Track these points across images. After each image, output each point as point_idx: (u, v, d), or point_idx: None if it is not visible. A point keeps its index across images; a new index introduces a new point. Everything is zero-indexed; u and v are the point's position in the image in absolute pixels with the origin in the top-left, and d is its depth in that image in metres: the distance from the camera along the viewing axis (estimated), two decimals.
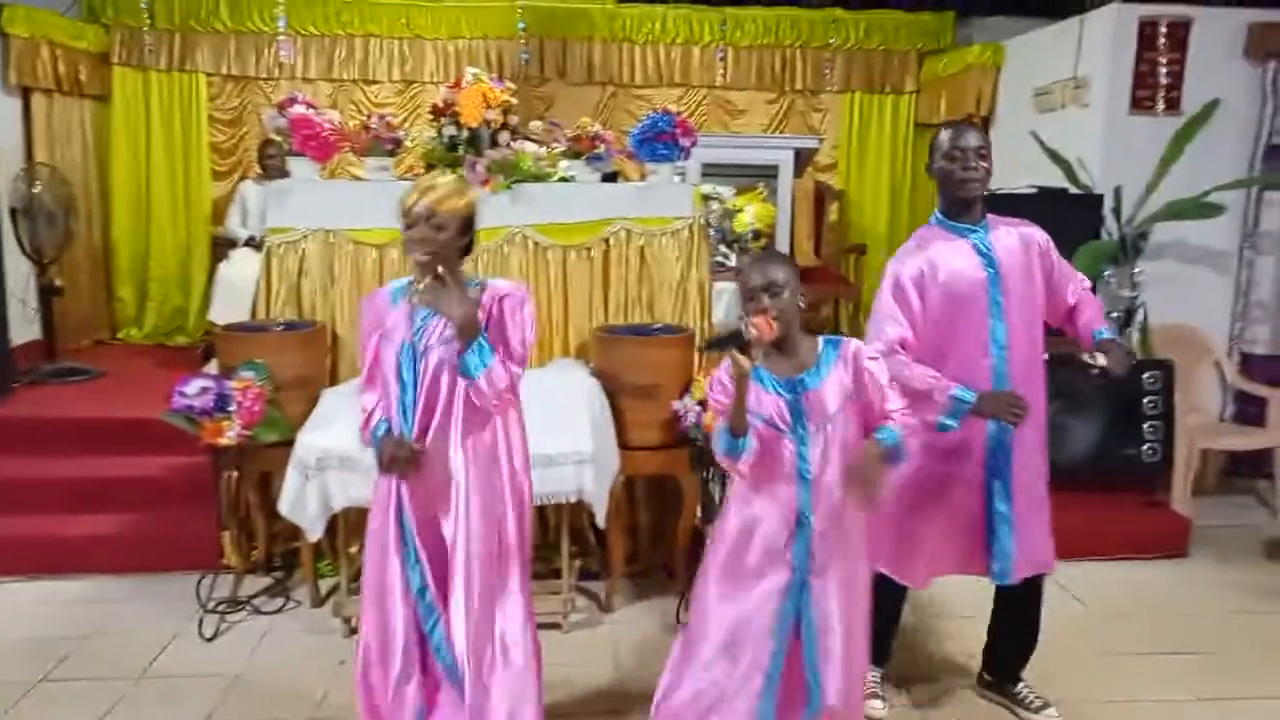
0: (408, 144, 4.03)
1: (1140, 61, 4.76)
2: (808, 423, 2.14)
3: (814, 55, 6.69)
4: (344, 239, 3.81)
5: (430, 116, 3.96)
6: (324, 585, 3.57)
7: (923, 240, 2.60)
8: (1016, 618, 2.82)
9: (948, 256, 2.53)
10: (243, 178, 6.20)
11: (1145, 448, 4.21)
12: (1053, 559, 2.72)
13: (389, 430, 2.27)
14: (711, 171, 5.07)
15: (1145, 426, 4.20)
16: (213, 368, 3.72)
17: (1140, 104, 4.79)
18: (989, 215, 2.60)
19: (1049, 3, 5.71)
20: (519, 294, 2.29)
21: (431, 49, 6.39)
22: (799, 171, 5.51)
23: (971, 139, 2.51)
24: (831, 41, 6.65)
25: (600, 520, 3.32)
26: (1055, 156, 4.82)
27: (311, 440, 3.14)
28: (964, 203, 2.55)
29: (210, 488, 3.46)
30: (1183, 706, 2.97)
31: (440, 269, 2.15)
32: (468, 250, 2.29)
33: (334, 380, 3.71)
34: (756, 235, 4.91)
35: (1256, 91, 4.79)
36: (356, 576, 3.47)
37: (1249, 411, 4.83)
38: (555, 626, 3.34)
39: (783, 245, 5.17)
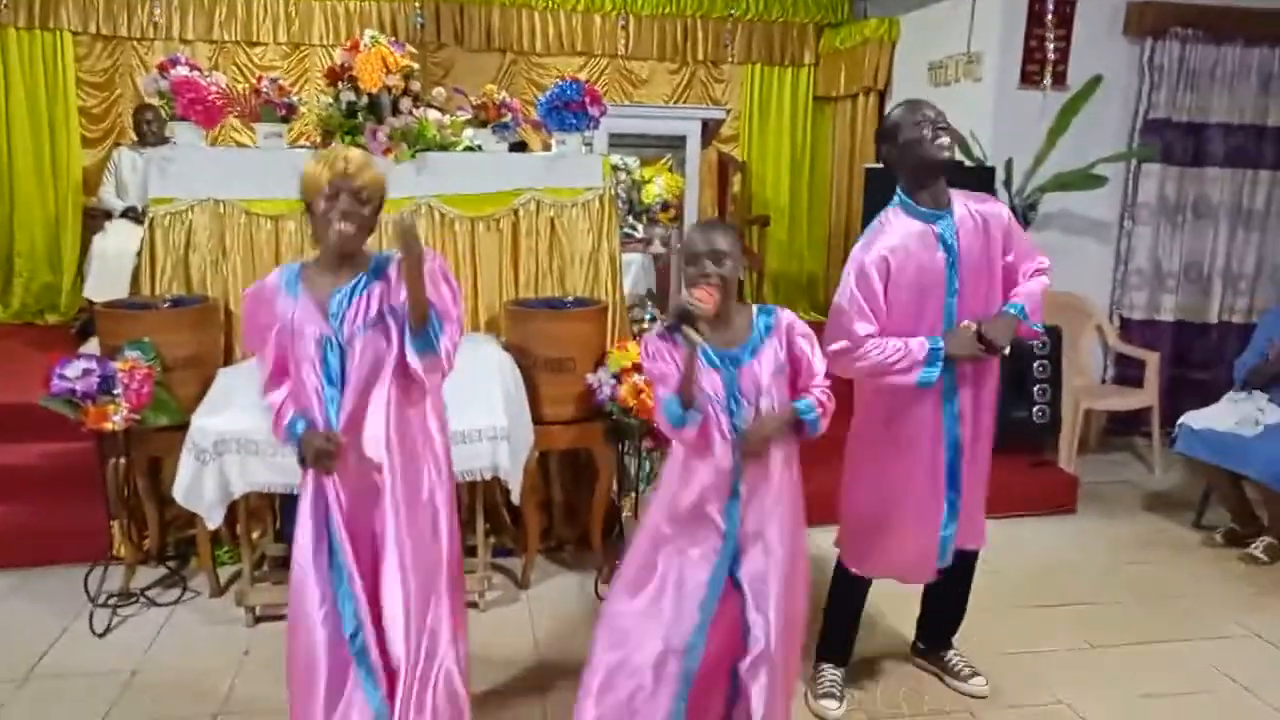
0: (302, 109, 3.83)
1: (1029, 37, 4.92)
2: (741, 395, 2.15)
3: (715, 26, 6.69)
4: (236, 209, 3.61)
5: (325, 81, 3.77)
6: (224, 573, 3.42)
7: (887, 226, 2.56)
8: (949, 591, 2.88)
9: (912, 245, 2.50)
10: (116, 145, 5.81)
11: (1035, 410, 4.42)
12: (984, 535, 2.79)
13: (309, 424, 2.13)
14: (617, 142, 5.02)
15: (1034, 390, 4.40)
16: (92, 347, 3.48)
17: (1029, 78, 4.96)
18: (952, 191, 2.58)
19: None
20: (437, 259, 2.19)
21: (320, 10, 6.10)
22: (706, 142, 5.51)
23: (931, 109, 2.49)
24: (732, 13, 6.65)
25: (515, 496, 3.26)
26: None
27: (207, 423, 2.97)
28: (934, 172, 2.50)
29: (96, 475, 3.26)
30: (1076, 654, 3.13)
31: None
32: (374, 227, 2.19)
33: (229, 359, 3.52)
34: (665, 206, 4.90)
35: (1136, 68, 5.02)
36: (259, 563, 3.34)
37: (1129, 373, 5.12)
38: (472, 605, 3.28)
39: (691, 217, 5.17)
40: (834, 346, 2.50)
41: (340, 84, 3.65)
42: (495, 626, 3.21)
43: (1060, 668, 3.04)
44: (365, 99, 3.65)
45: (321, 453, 2.10)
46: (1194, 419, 3.98)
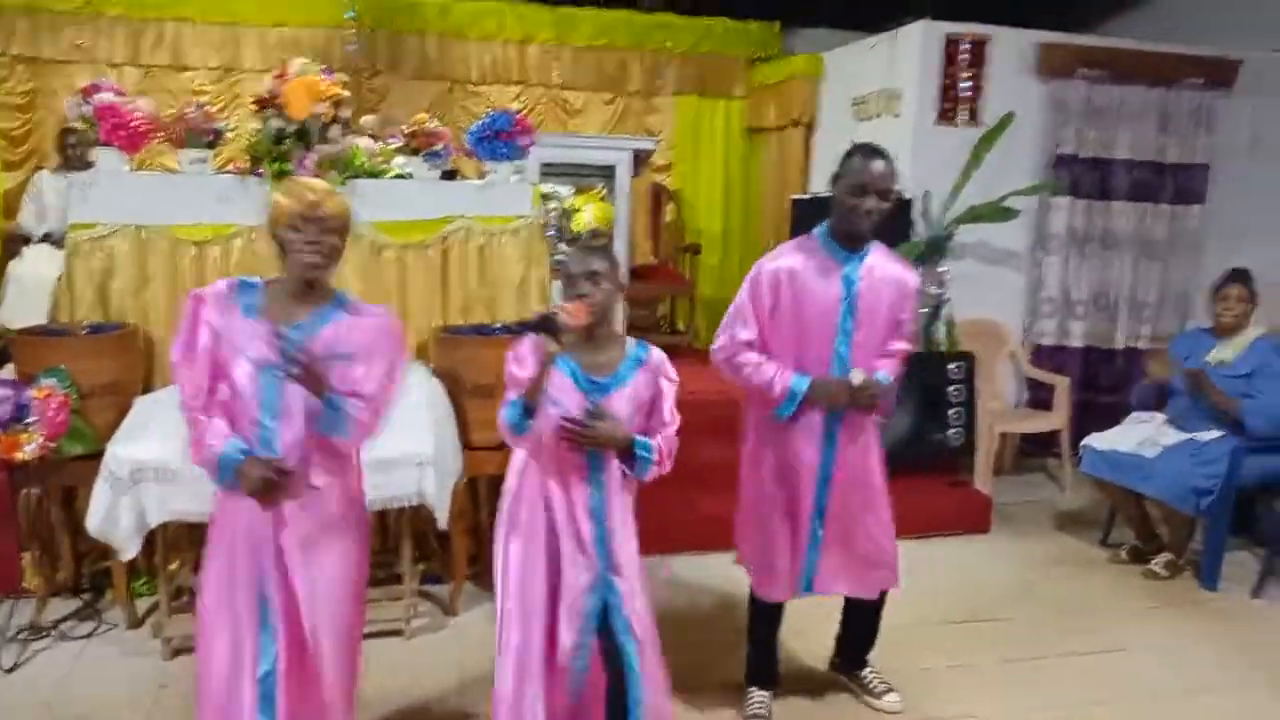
0: (228, 135, 3.83)
1: (945, 76, 5.14)
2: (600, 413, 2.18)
3: (648, 58, 6.81)
4: (158, 235, 3.58)
5: (254, 108, 3.78)
6: (142, 605, 3.35)
7: (797, 249, 2.66)
8: (864, 616, 2.98)
9: (811, 275, 2.60)
10: (38, 168, 5.69)
11: (951, 432, 4.58)
12: (894, 579, 2.85)
13: (247, 451, 2.04)
14: (550, 171, 5.09)
15: (950, 413, 4.56)
16: (8, 374, 3.41)
17: (946, 115, 5.17)
18: (876, 244, 2.66)
19: (866, 17, 6.07)
20: (391, 321, 2.21)
21: (252, 36, 6.06)
22: (637, 172, 5.61)
23: (875, 177, 2.52)
24: (665, 45, 6.79)
25: (441, 523, 3.27)
26: None
27: (124, 452, 2.93)
28: (850, 235, 2.60)
29: (7, 506, 3.18)
30: (989, 669, 3.25)
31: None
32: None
33: (148, 387, 3.48)
34: (595, 234, 4.97)
35: (1045, 106, 5.26)
36: (177, 595, 3.28)
37: (1040, 397, 5.32)
38: (397, 633, 3.28)
39: (621, 244, 5.25)
40: (716, 344, 2.67)
41: (268, 111, 3.66)
42: (421, 654, 3.21)
43: (973, 682, 3.14)
44: (294, 126, 3.66)
45: (268, 483, 2.02)
46: (1097, 440, 4.17)
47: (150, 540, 3.04)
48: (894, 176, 2.58)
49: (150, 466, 2.90)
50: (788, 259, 2.64)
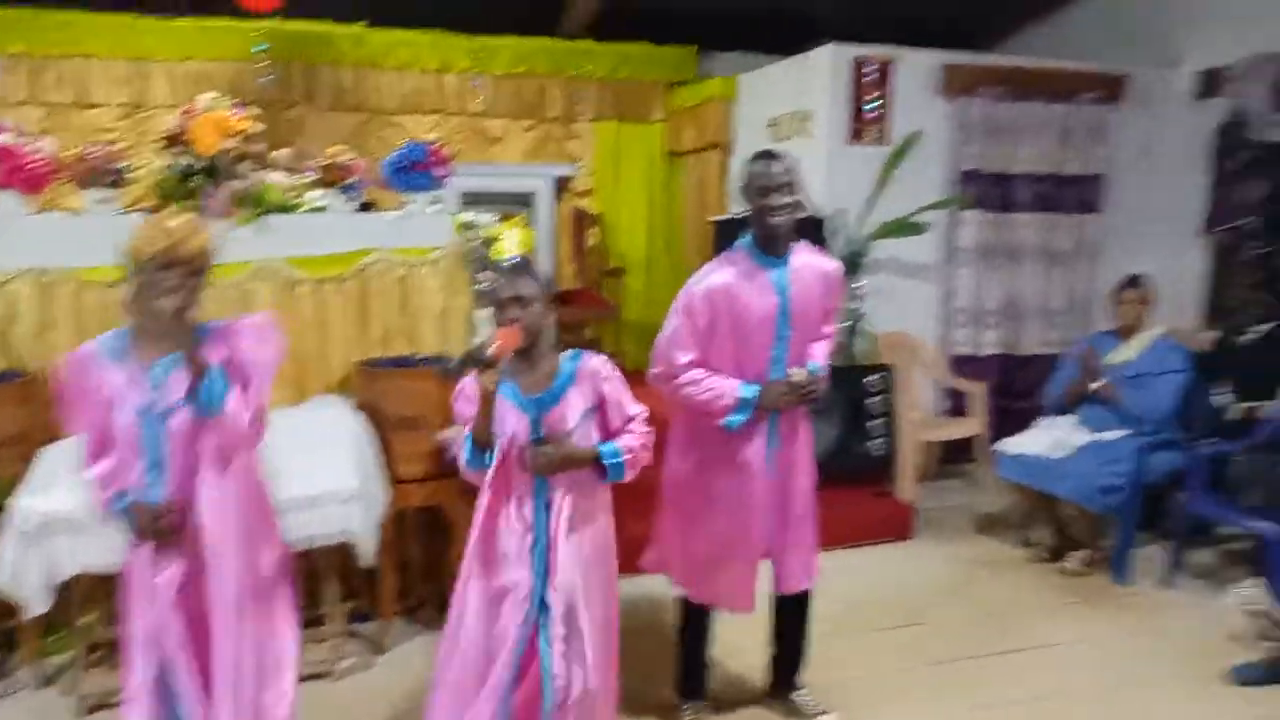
0: (133, 174, 3.76)
1: (854, 97, 5.29)
2: (546, 439, 2.22)
3: (567, 84, 6.86)
4: (62, 278, 3.49)
5: (161, 145, 3.72)
6: (55, 663, 3.24)
7: (725, 265, 2.71)
8: (789, 630, 3.02)
9: (743, 286, 2.65)
10: None
11: (873, 443, 4.69)
12: (813, 573, 2.92)
13: (136, 500, 2.09)
14: (471, 199, 5.10)
15: (872, 424, 4.67)
16: None
17: (856, 135, 5.33)
18: (800, 243, 2.74)
19: (778, 40, 6.21)
20: (262, 324, 2.21)
21: (161, 71, 5.94)
22: (558, 198, 5.65)
23: (776, 174, 2.60)
24: (583, 71, 6.85)
25: (368, 559, 3.24)
26: None
27: (32, 504, 2.84)
28: (769, 235, 2.66)
29: None
30: (916, 672, 3.33)
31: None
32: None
33: (54, 436, 3.37)
34: (523, 260, 4.98)
35: (950, 124, 5.45)
36: (92, 649, 3.18)
37: (958, 405, 5.49)
38: (324, 675, 3.22)
39: (545, 270, 5.27)
40: (653, 370, 2.71)
41: (175, 149, 3.60)
42: (351, 695, 3.16)
43: (904, 688, 3.22)
44: (203, 163, 3.61)
45: (157, 528, 2.05)
46: (1009, 445, 4.32)
47: (63, 594, 2.95)
48: (792, 173, 2.63)
49: (60, 518, 2.81)
50: (718, 276, 2.68)
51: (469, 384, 2.22)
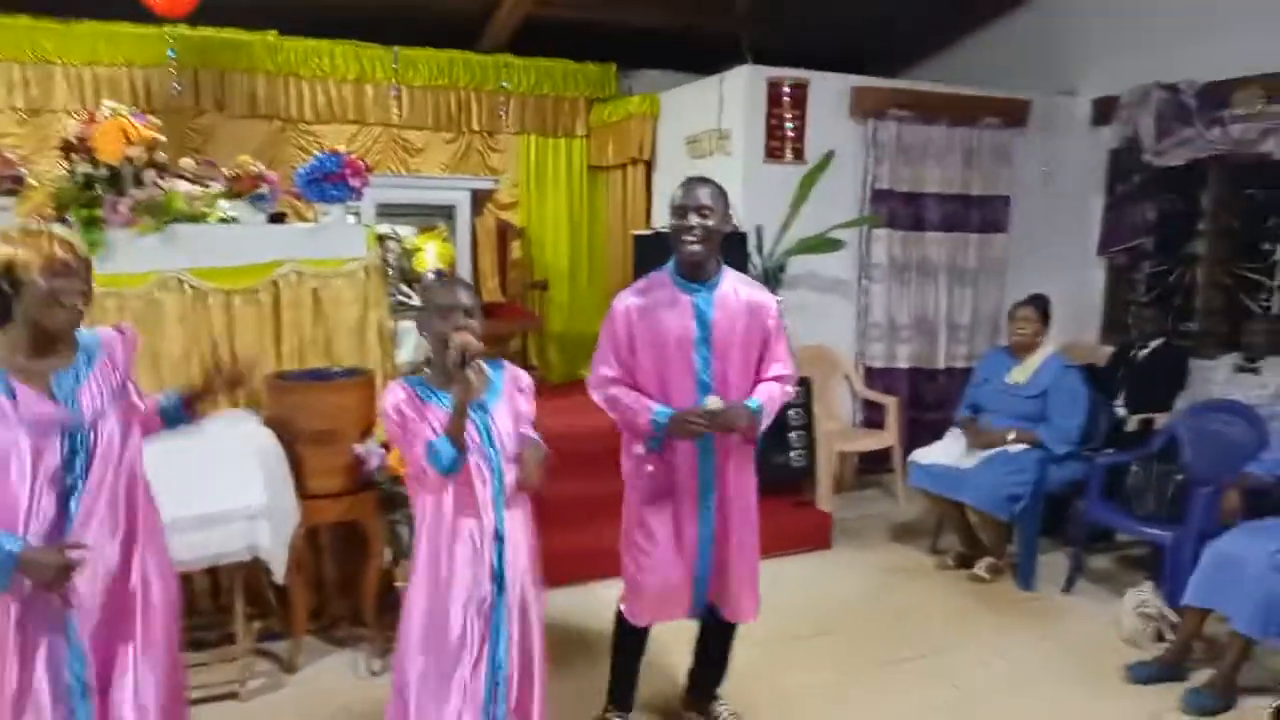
0: (32, 181, 3.62)
1: (770, 117, 5.41)
2: (494, 440, 2.25)
3: (489, 98, 6.84)
4: None
5: (60, 154, 3.59)
6: None
7: (647, 287, 2.71)
8: (713, 650, 3.04)
9: (662, 309, 2.66)
10: None
11: (793, 454, 4.78)
12: (755, 610, 2.90)
13: (23, 541, 1.88)
14: (389, 211, 5.04)
15: (791, 435, 4.76)
16: None
17: (773, 153, 5.44)
18: (728, 272, 2.73)
19: (695, 60, 6.32)
20: (128, 333, 2.18)
21: (63, 75, 5.72)
22: (478, 211, 5.64)
23: (695, 195, 2.60)
24: (504, 85, 6.85)
25: (279, 576, 3.17)
26: None
27: None
28: (682, 258, 2.65)
29: None
30: (834, 682, 3.39)
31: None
32: None
33: None
34: (439, 274, 4.94)
35: (862, 143, 5.61)
36: None
37: (873, 417, 5.63)
38: (232, 696, 3.13)
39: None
40: (590, 378, 2.75)
41: (75, 156, 3.48)
42: (261, 715, 3.08)
43: (820, 696, 3.28)
44: (105, 171, 3.50)
45: (61, 569, 1.89)
46: (920, 455, 4.46)
47: None
48: (714, 197, 2.62)
49: None
50: (635, 297, 2.71)
51: (400, 392, 2.22)
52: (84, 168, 3.45)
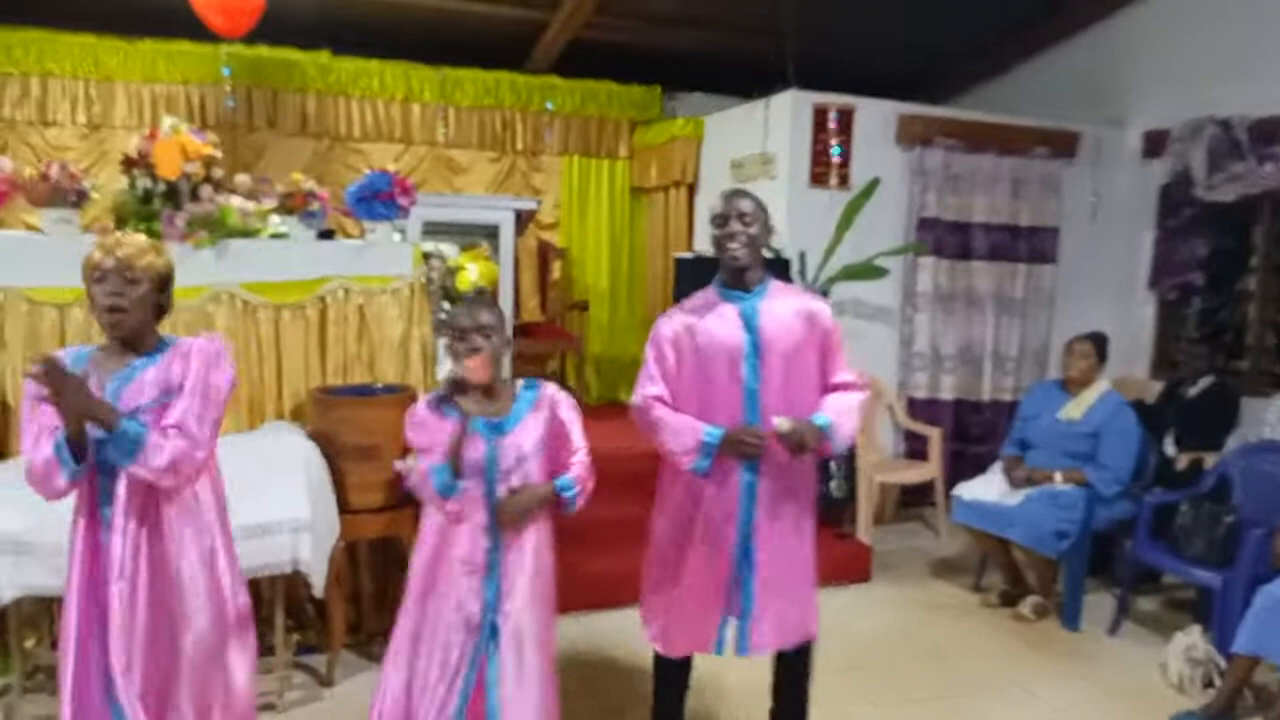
0: (94, 195, 3.71)
1: (816, 142, 5.41)
2: (500, 466, 2.25)
3: (533, 118, 6.92)
4: (17, 297, 3.42)
5: (121, 168, 3.68)
6: None
7: (693, 303, 2.68)
8: (786, 688, 2.91)
9: (709, 321, 2.60)
10: None
11: (833, 484, 4.72)
12: (812, 629, 2.80)
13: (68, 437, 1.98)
14: (434, 229, 5.10)
15: (832, 465, 4.71)
16: None
17: (818, 179, 5.43)
18: (775, 283, 2.68)
19: (742, 84, 6.34)
20: (213, 346, 2.19)
21: (123, 92, 5.88)
22: (520, 231, 5.67)
23: (736, 204, 2.57)
24: (549, 106, 6.92)
25: (318, 590, 3.18)
26: None
27: None
28: (730, 270, 2.62)
29: None
30: (862, 715, 3.33)
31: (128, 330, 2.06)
32: (163, 311, 2.19)
33: (3, 454, 3.29)
34: (480, 293, 4.99)
35: (908, 171, 5.58)
36: (32, 674, 3.09)
37: (916, 448, 5.55)
38: (270, 708, 3.15)
39: (507, 302, 5.28)
40: (632, 399, 2.66)
41: (136, 171, 3.57)
42: None
43: None
44: (163, 186, 3.58)
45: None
46: (964, 490, 4.38)
47: (3, 617, 2.86)
48: (755, 207, 2.59)
49: (4, 539, 2.74)
50: (682, 314, 2.66)
51: (422, 411, 2.25)
52: (144, 182, 3.54)
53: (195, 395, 2.09)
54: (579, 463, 2.33)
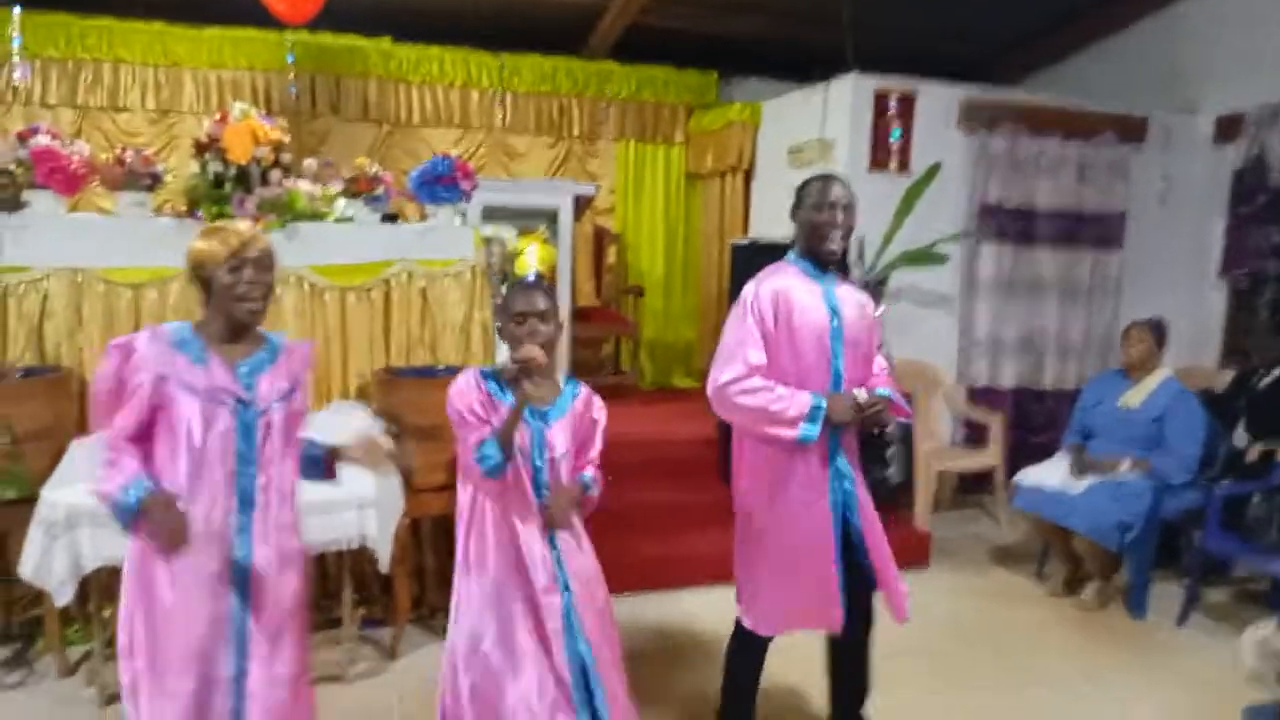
0: (167, 179, 3.81)
1: (876, 127, 5.34)
2: (546, 453, 2.27)
3: (590, 104, 6.95)
4: (94, 278, 3.54)
5: (193, 152, 3.77)
6: (74, 653, 3.27)
7: (779, 271, 2.66)
8: (852, 663, 2.90)
9: (801, 293, 2.59)
10: None
11: (891, 470, 4.68)
12: (904, 606, 2.80)
13: (151, 490, 1.96)
14: (493, 214, 5.14)
15: (890, 452, 4.67)
16: None
17: (877, 164, 5.36)
18: (836, 274, 2.69)
19: (799, 68, 6.29)
20: (307, 348, 2.28)
21: (191, 78, 6.03)
22: (578, 216, 5.70)
23: (836, 191, 2.59)
24: (606, 92, 6.94)
25: (384, 565, 3.25)
26: None
27: (59, 496, 2.87)
28: (823, 254, 2.62)
29: None
30: (928, 699, 3.32)
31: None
32: None
33: (83, 430, 3.41)
34: (539, 277, 5.03)
35: (970, 156, 5.49)
36: (112, 641, 3.18)
37: (975, 436, 5.48)
38: (337, 678, 3.23)
39: (564, 286, 5.32)
40: (726, 374, 2.56)
41: (208, 155, 3.66)
42: (361, 700, 3.16)
43: (912, 713, 3.20)
44: (234, 170, 3.67)
45: (175, 531, 1.93)
46: (1025, 477, 4.32)
47: (84, 586, 2.97)
48: (850, 194, 2.62)
49: (85, 511, 2.83)
50: (778, 279, 2.63)
51: (472, 391, 2.25)
52: (215, 166, 3.62)
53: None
54: (596, 466, 2.39)
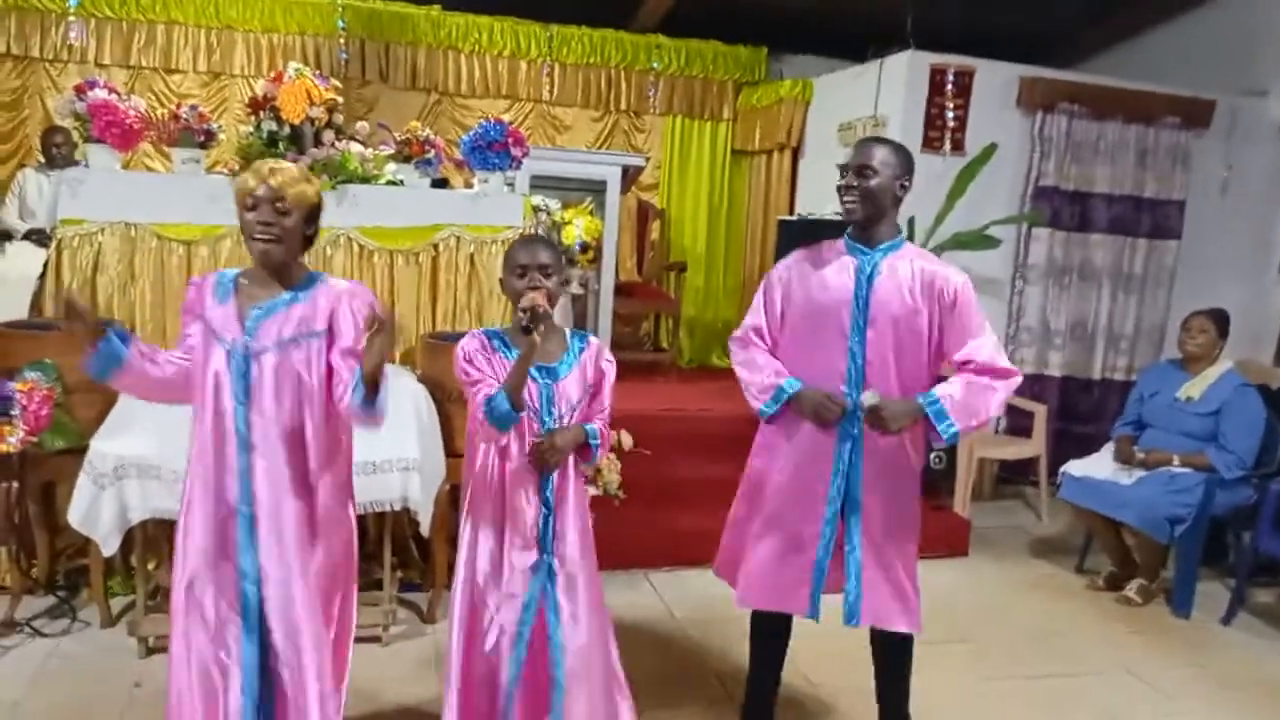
0: (221, 136, 3.83)
1: (930, 106, 5.23)
2: (554, 409, 2.23)
3: (638, 77, 6.88)
4: (147, 233, 3.57)
5: (247, 110, 3.78)
6: (116, 604, 3.32)
7: (817, 249, 2.58)
8: (885, 677, 2.80)
9: (822, 266, 2.52)
10: (21, 166, 5.64)
11: (933, 457, 4.61)
12: (914, 618, 2.66)
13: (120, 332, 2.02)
14: (539, 184, 5.11)
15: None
16: None
17: (930, 143, 5.26)
18: (909, 245, 2.53)
19: (852, 45, 6.17)
20: (366, 295, 2.18)
21: (242, 40, 6.06)
22: (625, 188, 5.64)
23: (861, 154, 2.44)
24: (654, 66, 6.86)
25: (425, 529, 3.26)
26: None
27: (107, 447, 2.91)
28: (855, 226, 2.50)
29: None
30: (960, 691, 3.26)
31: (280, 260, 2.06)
32: (310, 242, 2.14)
33: None
34: (584, 248, 4.99)
35: (1027, 138, 5.37)
36: (154, 594, 3.24)
37: (1019, 424, 5.39)
38: (375, 640, 3.25)
39: (609, 260, 5.28)
40: (735, 332, 2.68)
41: (262, 114, 3.67)
42: (398, 661, 3.19)
43: (943, 704, 3.14)
44: (287, 129, 3.67)
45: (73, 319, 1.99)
46: (1074, 467, 4.23)
47: (127, 539, 3.01)
48: (886, 155, 2.42)
49: (133, 463, 2.88)
50: (807, 251, 2.59)
51: (473, 345, 2.23)
52: (269, 125, 3.63)
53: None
54: (604, 420, 2.33)
